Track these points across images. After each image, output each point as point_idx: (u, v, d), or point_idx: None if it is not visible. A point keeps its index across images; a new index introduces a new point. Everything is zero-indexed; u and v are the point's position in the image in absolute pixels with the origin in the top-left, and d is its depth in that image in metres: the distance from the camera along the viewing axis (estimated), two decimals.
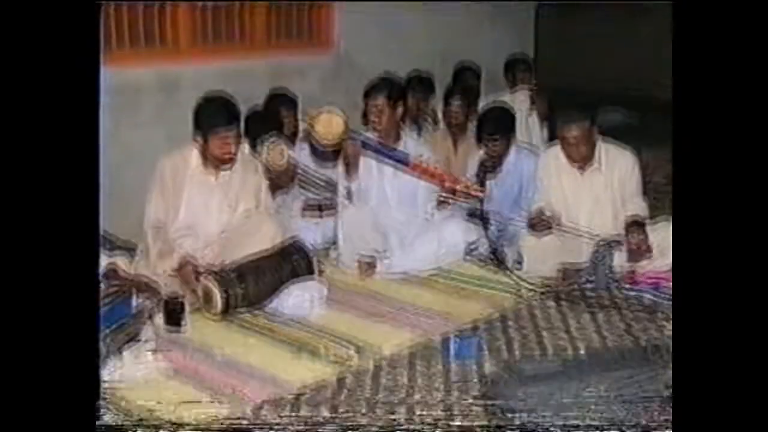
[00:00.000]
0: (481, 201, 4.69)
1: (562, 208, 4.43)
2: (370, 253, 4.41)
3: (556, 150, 4.46)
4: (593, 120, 4.33)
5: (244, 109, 4.79)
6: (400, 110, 4.48)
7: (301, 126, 4.06)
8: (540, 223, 4.28)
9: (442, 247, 4.48)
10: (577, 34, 8.29)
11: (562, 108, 4.56)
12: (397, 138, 4.49)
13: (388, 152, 4.31)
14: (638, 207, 4.33)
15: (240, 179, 4.15)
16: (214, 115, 3.94)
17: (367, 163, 4.41)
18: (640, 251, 4.15)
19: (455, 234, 4.51)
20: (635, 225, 4.19)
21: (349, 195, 4.42)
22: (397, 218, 4.55)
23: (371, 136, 4.37)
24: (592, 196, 4.39)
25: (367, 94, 4.46)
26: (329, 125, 4.04)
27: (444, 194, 4.33)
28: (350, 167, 4.34)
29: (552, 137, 5.99)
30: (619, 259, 4.26)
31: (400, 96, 4.51)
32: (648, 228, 4.22)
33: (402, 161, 4.26)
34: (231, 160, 4.02)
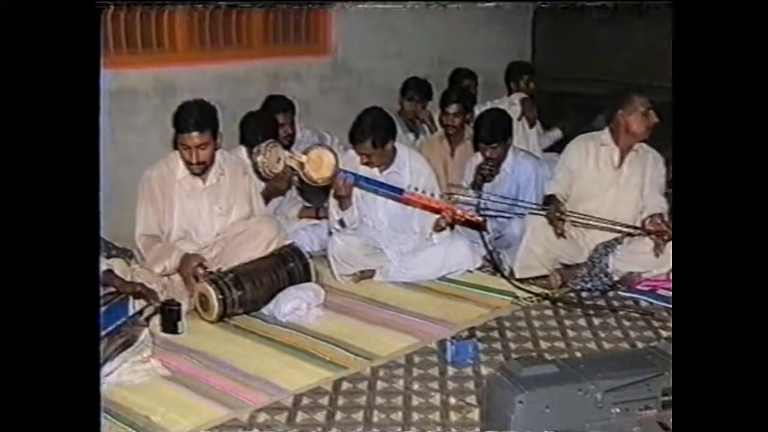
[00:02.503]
0: (478, 206, 4.70)
1: (589, 185, 4.43)
2: (361, 269, 4.41)
3: (597, 133, 4.48)
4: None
5: (240, 114, 4.80)
6: (389, 146, 4.38)
7: (293, 162, 3.96)
8: (556, 216, 4.23)
9: (446, 268, 4.45)
10: (575, 37, 8.29)
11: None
12: (391, 162, 4.42)
13: (379, 187, 4.25)
14: (659, 205, 4.30)
15: (229, 183, 4.15)
16: (181, 121, 3.92)
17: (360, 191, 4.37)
18: (659, 235, 4.09)
19: (462, 261, 4.46)
20: (656, 216, 4.17)
21: (341, 223, 4.39)
22: (393, 234, 4.51)
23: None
24: (625, 178, 4.41)
25: (353, 140, 4.36)
26: (319, 168, 3.98)
27: (441, 221, 4.28)
28: (342, 200, 4.31)
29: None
30: (614, 260, 4.26)
31: (387, 137, 4.34)
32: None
33: (394, 193, 4.21)
34: (200, 165, 4.00)
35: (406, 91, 5.86)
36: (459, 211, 4.14)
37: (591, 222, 4.25)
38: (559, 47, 8.28)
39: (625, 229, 4.23)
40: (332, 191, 4.30)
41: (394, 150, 4.45)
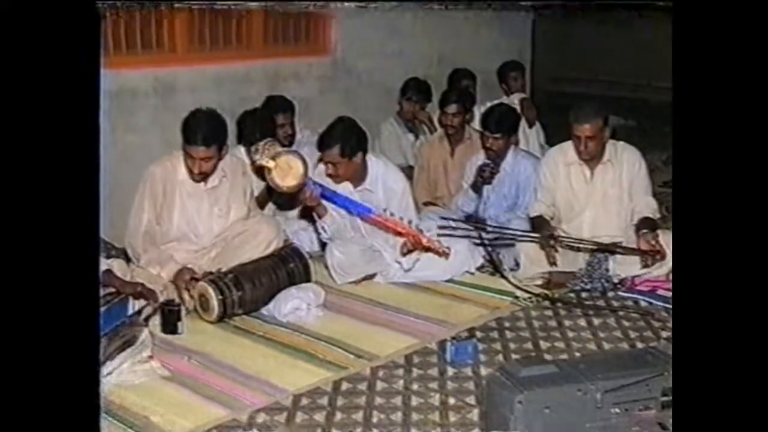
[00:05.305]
0: (477, 206, 4.70)
1: (568, 206, 4.39)
2: (362, 276, 4.37)
3: (565, 146, 4.39)
4: (606, 120, 4.24)
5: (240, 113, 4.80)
6: (358, 158, 4.22)
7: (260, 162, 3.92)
8: (548, 244, 4.12)
9: (449, 272, 4.41)
10: (575, 37, 8.32)
11: (577, 103, 4.44)
12: (363, 178, 4.31)
13: (348, 203, 4.15)
14: (648, 206, 4.25)
15: (229, 185, 4.14)
16: (190, 132, 3.89)
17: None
18: (652, 255, 4.03)
19: (463, 263, 4.41)
20: (647, 226, 4.09)
21: (324, 230, 4.30)
22: (391, 236, 4.39)
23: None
24: (600, 193, 4.32)
25: (321, 147, 4.21)
26: (286, 176, 3.89)
27: (403, 247, 4.19)
28: (315, 208, 4.21)
29: (548, 142, 6.02)
30: (614, 265, 4.25)
31: (357, 148, 4.19)
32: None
33: (363, 212, 4.12)
34: (200, 175, 3.98)
35: (405, 92, 5.86)
36: (425, 239, 4.00)
37: (582, 244, 4.21)
38: (559, 47, 8.31)
39: (619, 250, 4.17)
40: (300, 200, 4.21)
41: (365, 166, 4.32)
